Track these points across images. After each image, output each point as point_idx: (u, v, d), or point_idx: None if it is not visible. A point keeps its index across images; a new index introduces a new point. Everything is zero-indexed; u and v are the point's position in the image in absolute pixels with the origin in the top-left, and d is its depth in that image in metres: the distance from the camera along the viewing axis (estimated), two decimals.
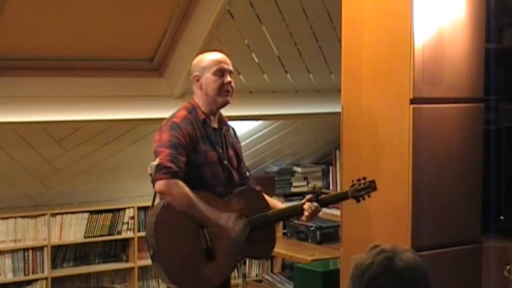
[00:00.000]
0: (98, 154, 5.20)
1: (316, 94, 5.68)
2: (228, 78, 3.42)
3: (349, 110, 4.01)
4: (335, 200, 3.79)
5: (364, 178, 3.56)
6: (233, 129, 3.61)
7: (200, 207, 3.28)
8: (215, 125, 3.48)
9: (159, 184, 3.23)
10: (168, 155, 3.24)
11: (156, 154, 3.29)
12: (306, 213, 3.46)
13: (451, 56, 3.80)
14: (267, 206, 3.52)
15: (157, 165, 3.24)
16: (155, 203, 3.35)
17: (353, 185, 3.56)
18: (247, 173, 3.64)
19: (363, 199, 3.56)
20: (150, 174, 3.28)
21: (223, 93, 3.40)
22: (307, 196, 3.52)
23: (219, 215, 3.33)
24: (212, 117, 3.47)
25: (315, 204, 3.47)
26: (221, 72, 3.40)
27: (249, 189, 3.54)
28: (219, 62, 3.42)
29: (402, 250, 1.94)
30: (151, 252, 3.29)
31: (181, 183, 3.24)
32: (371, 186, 3.56)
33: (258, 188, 3.64)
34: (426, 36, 3.70)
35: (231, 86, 3.43)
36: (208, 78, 3.41)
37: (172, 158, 3.24)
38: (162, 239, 3.25)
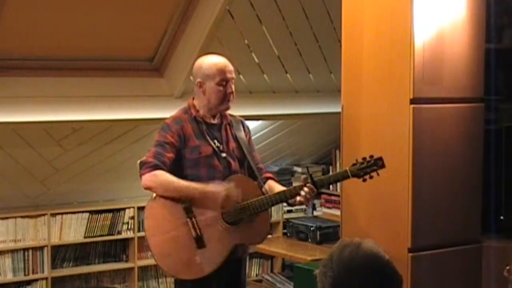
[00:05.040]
0: (98, 154, 5.19)
1: (316, 94, 5.68)
2: (230, 89, 3.52)
3: (349, 110, 4.01)
4: (333, 180, 3.64)
5: (371, 156, 3.42)
6: (242, 123, 3.70)
7: (185, 183, 3.42)
8: (215, 121, 3.58)
9: (143, 179, 3.43)
10: (152, 153, 3.44)
11: None
12: (298, 198, 3.41)
13: (451, 56, 3.80)
14: (260, 192, 3.52)
15: (140, 162, 3.45)
16: None
17: (355, 164, 3.43)
18: (256, 165, 3.64)
19: (371, 177, 3.41)
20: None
21: (225, 102, 3.53)
22: (302, 177, 3.47)
23: (206, 184, 3.43)
24: (210, 116, 3.57)
25: (310, 186, 3.40)
26: (224, 82, 3.50)
27: (239, 176, 3.55)
28: (222, 71, 3.50)
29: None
30: (146, 244, 3.52)
31: (160, 172, 3.40)
32: (378, 164, 3.40)
33: (267, 175, 3.70)
34: (426, 36, 3.70)
35: (233, 94, 3.54)
36: (212, 87, 3.50)
37: (155, 154, 3.43)
38: (152, 232, 3.44)
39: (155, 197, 3.45)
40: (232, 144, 3.58)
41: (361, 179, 3.43)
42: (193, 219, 3.41)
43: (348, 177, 3.45)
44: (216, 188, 3.43)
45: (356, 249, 1.95)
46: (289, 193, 3.46)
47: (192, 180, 3.45)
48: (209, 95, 3.51)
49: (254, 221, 3.47)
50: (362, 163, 3.42)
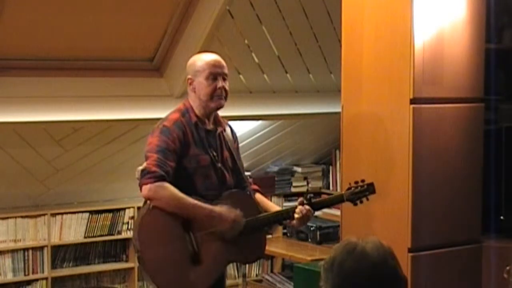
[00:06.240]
0: (98, 154, 5.19)
1: (316, 94, 5.67)
2: (220, 83, 3.34)
3: (349, 110, 4.01)
4: (330, 204, 3.73)
5: (363, 181, 3.45)
6: (230, 127, 3.57)
7: (191, 201, 3.25)
8: (210, 127, 3.43)
9: (145, 189, 3.24)
10: (155, 160, 3.23)
11: (146, 159, 3.29)
12: (296, 216, 3.35)
13: (451, 56, 3.80)
14: (257, 209, 3.45)
15: (143, 170, 3.24)
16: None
17: (349, 188, 3.45)
18: (243, 174, 3.58)
19: (361, 202, 3.45)
20: (138, 179, 3.29)
21: (215, 98, 3.35)
22: (299, 199, 3.42)
23: (213, 205, 3.29)
24: (206, 119, 3.42)
25: (307, 207, 3.37)
26: (213, 76, 3.34)
27: (237, 192, 3.46)
28: (211, 66, 3.35)
29: (367, 238, 1.97)
30: (137, 255, 3.31)
31: (166, 184, 3.22)
32: (369, 189, 3.44)
33: (255, 187, 3.61)
34: (426, 36, 3.70)
35: (225, 90, 3.37)
36: (201, 82, 3.35)
37: (158, 162, 3.22)
38: (146, 243, 3.25)
39: (152, 207, 3.27)
40: (226, 154, 3.45)
41: (353, 204, 3.46)
42: (191, 234, 3.27)
43: (343, 201, 3.50)
44: (223, 212, 3.29)
45: (360, 257, 1.89)
46: (287, 212, 3.42)
47: (187, 190, 3.29)
48: (199, 92, 3.34)
49: (250, 240, 3.39)
50: (356, 188, 3.43)
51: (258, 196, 3.58)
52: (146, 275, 3.30)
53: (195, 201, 3.26)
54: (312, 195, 3.48)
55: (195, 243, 3.27)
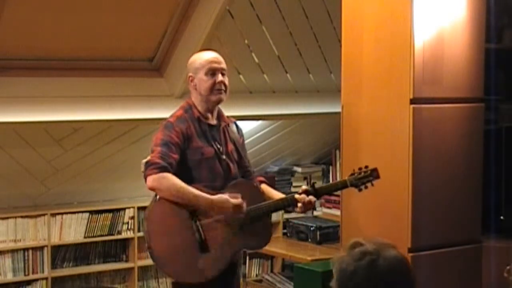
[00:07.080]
0: (98, 154, 5.19)
1: (316, 94, 5.68)
2: (220, 77, 3.48)
3: (349, 110, 4.01)
4: (333, 189, 3.75)
5: (366, 167, 3.48)
6: (236, 124, 3.69)
7: (192, 191, 3.35)
8: (213, 122, 3.55)
9: (149, 180, 3.35)
10: (159, 153, 3.36)
11: (151, 153, 3.41)
12: (299, 204, 3.46)
13: (451, 56, 3.80)
14: (262, 197, 3.55)
15: (147, 162, 3.37)
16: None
17: (353, 174, 3.50)
18: (249, 167, 3.69)
19: (366, 187, 3.46)
20: (143, 171, 3.41)
21: (215, 91, 3.48)
22: (303, 187, 3.52)
23: (212, 196, 3.38)
24: (209, 115, 3.53)
25: (310, 196, 3.46)
26: (212, 72, 3.48)
27: (243, 181, 3.57)
28: (210, 62, 3.49)
29: (384, 247, 1.93)
30: (147, 245, 3.41)
31: (169, 175, 3.33)
32: (373, 174, 3.47)
33: (260, 179, 3.71)
34: (426, 36, 3.70)
35: (224, 84, 3.50)
36: (201, 78, 3.49)
37: (161, 154, 3.35)
38: (155, 234, 3.37)
39: (159, 199, 3.39)
40: (230, 147, 3.57)
41: (357, 189, 3.49)
42: (198, 223, 3.37)
43: (346, 186, 3.53)
44: (224, 201, 3.38)
45: (368, 274, 1.87)
46: (291, 199, 3.49)
47: (192, 182, 3.40)
48: (200, 88, 3.48)
49: (256, 227, 3.48)
50: (359, 173, 3.48)
51: (264, 186, 3.68)
52: (157, 265, 3.42)
53: (197, 191, 3.36)
54: (315, 182, 3.53)
55: (202, 231, 3.37)
